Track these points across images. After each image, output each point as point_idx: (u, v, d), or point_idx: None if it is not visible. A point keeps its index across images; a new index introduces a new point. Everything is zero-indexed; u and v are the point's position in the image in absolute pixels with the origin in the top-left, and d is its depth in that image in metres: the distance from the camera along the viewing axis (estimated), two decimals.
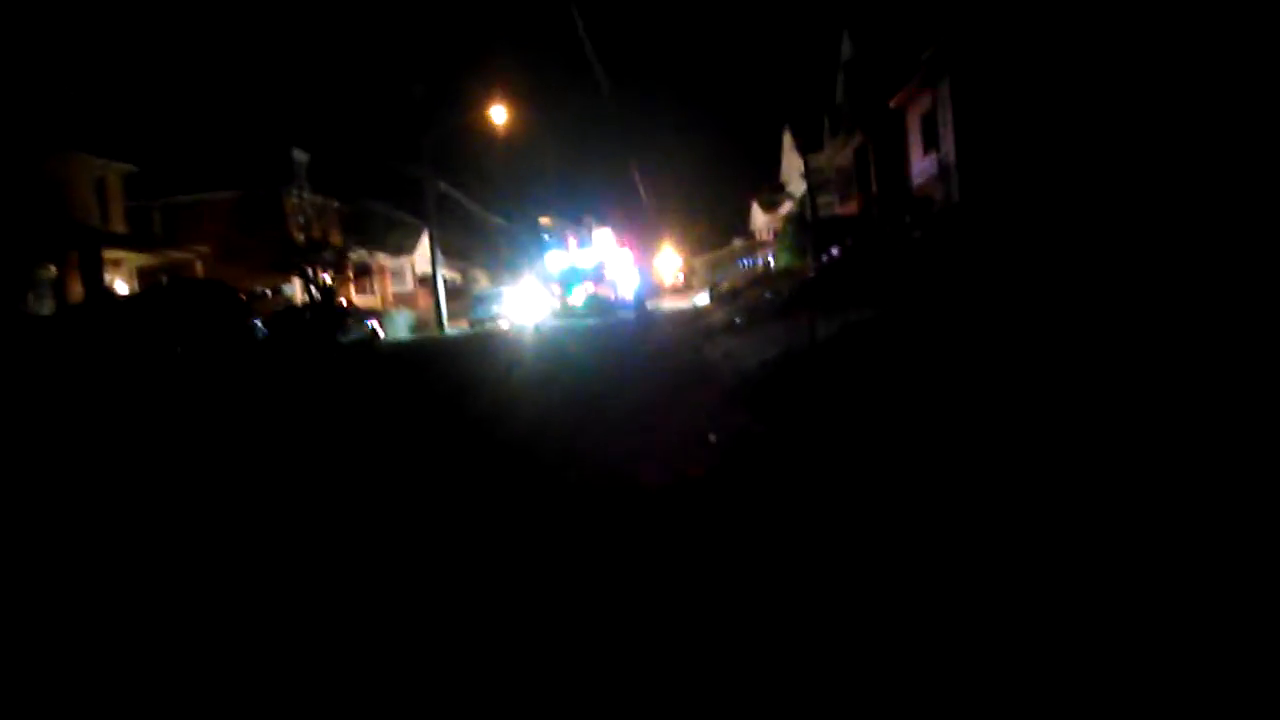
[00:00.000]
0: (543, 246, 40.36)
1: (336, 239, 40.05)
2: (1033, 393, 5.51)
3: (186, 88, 36.98)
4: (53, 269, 24.82)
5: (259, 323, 18.94)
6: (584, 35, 21.70)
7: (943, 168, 23.67)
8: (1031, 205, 15.51)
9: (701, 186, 63.88)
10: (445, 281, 37.69)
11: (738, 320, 15.68)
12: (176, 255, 30.75)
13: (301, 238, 36.56)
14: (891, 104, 27.58)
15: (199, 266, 31.09)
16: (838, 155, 38.12)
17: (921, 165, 26.25)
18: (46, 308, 23.16)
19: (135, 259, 29.33)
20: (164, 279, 26.37)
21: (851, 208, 35.01)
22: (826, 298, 14.86)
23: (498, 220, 51.70)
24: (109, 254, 26.98)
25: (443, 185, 38.68)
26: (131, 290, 27.26)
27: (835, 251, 24.63)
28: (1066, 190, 15.26)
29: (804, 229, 32.04)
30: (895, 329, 9.78)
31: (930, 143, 24.92)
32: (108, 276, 26.55)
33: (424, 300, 40.58)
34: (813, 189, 38.77)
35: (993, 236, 14.51)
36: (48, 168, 25.81)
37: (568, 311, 34.19)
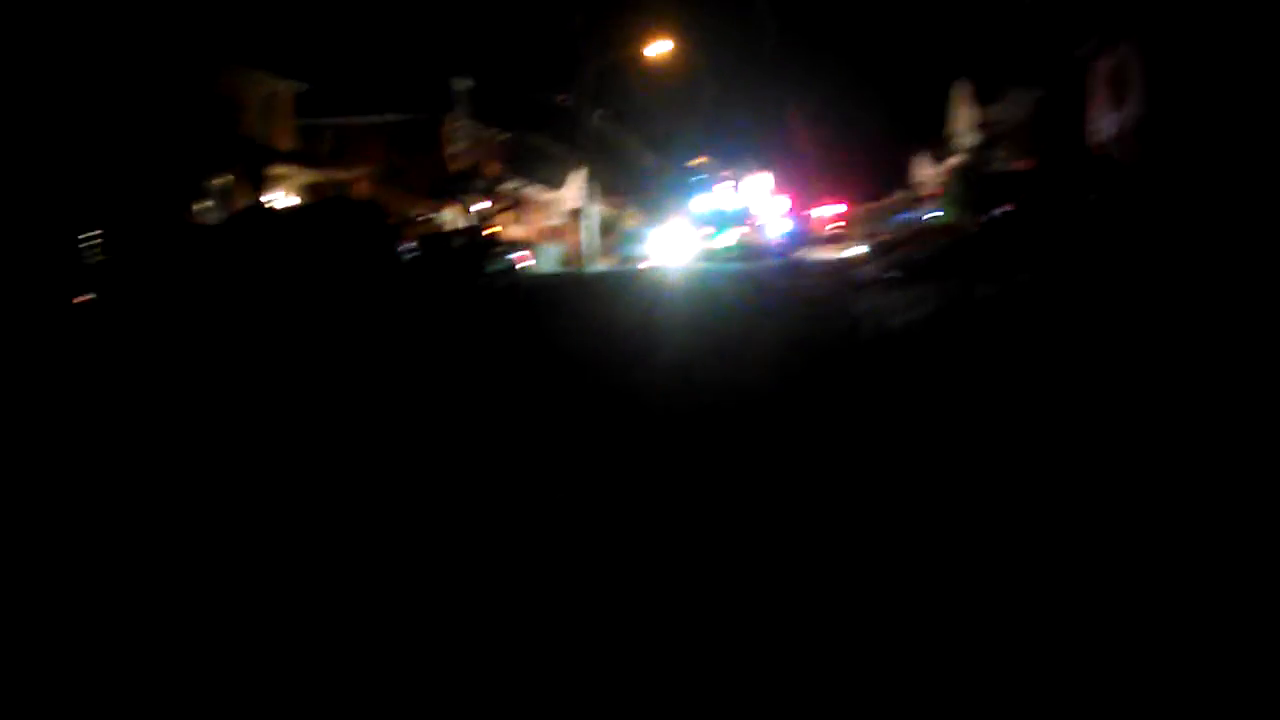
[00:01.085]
0: (695, 187, 39.70)
1: (493, 169, 40.37)
2: (1205, 394, 4.71)
3: (358, 9, 37.60)
4: (223, 180, 25.83)
5: (407, 247, 19.15)
6: None
7: (1126, 128, 21.76)
8: (1224, 175, 13.98)
9: (865, 135, 61.33)
10: (596, 217, 37.61)
11: (890, 275, 14.78)
12: (340, 175, 31.59)
13: (458, 166, 36.99)
14: (1075, 57, 25.48)
15: (361, 187, 31.89)
16: (1013, 109, 35.79)
17: (1103, 124, 24.24)
18: (215, 217, 24.15)
19: (301, 176, 30.28)
20: (332, 196, 27.08)
21: (1023, 164, 32.89)
22: (989, 257, 13.83)
23: (653, 158, 51.17)
24: (276, 169, 27.91)
25: (599, 119, 38.41)
26: (294, 205, 28.14)
27: (1003, 209, 23.08)
28: (1265, 162, 13.66)
29: (971, 184, 30.24)
30: (1061, 299, 8.87)
31: (1114, 100, 22.93)
32: (276, 191, 27.50)
33: (573, 235, 40.64)
34: (984, 142, 36.64)
35: (1177, 206, 13.14)
36: (220, 82, 26.69)
37: (715, 254, 33.56)
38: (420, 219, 34.82)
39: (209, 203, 24.83)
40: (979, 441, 4.43)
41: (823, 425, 5.02)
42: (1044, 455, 4.10)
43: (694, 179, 40.27)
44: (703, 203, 37.95)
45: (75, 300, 12.32)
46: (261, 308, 12.88)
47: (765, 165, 42.40)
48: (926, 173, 52.22)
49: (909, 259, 16.16)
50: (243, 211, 20.18)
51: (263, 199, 24.95)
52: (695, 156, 42.40)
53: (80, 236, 14.11)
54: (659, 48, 34.62)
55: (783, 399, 5.92)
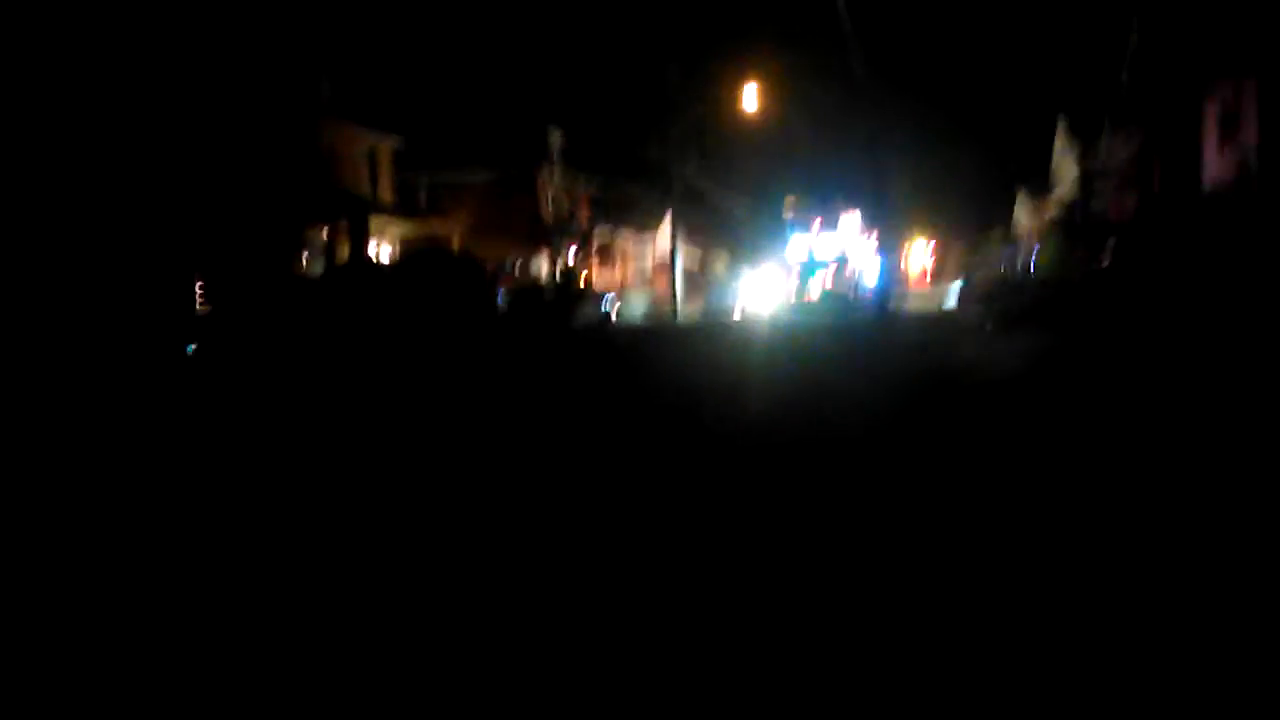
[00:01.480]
0: (787, 232, 39.51)
1: (584, 217, 40.97)
2: None
3: (455, 67, 38.75)
4: (325, 233, 26.74)
5: (501, 296, 19.47)
6: (843, 11, 20.68)
7: (1241, 170, 20.87)
8: None
9: (960, 175, 60.31)
10: (684, 264, 37.71)
11: (990, 325, 14.37)
12: (437, 226, 32.47)
13: (550, 215, 37.63)
14: (1184, 97, 24.63)
15: (456, 238, 32.67)
16: (1117, 150, 34.80)
17: (1215, 165, 23.31)
18: (318, 268, 24.95)
19: (400, 227, 31.21)
20: (429, 248, 27.75)
21: (1129, 207, 31.89)
22: (1097, 306, 13.33)
23: (742, 203, 51.22)
24: (376, 222, 28.81)
25: (689, 167, 38.66)
26: (392, 257, 28.92)
27: (1108, 254, 22.32)
28: None
29: (1073, 227, 29.43)
30: (1176, 353, 8.44)
31: (1228, 141, 22.05)
32: (374, 243, 28.35)
33: (662, 282, 40.82)
34: (1087, 184, 35.69)
35: None
36: (324, 137, 27.75)
37: (804, 306, 33.26)
38: (514, 268, 35.42)
39: (311, 254, 25.70)
40: (1086, 503, 4.17)
41: (922, 480, 4.81)
42: (1154, 531, 3.83)
43: (785, 223, 40.06)
44: (794, 247, 37.66)
45: (186, 348, 12.79)
46: (362, 357, 13.16)
47: (857, 208, 41.94)
48: (1025, 214, 51.04)
49: (1010, 307, 15.68)
50: (344, 264, 20.80)
51: (363, 251, 25.70)
52: (786, 201, 42.22)
53: (191, 287, 14.69)
54: (750, 96, 34.74)
55: (879, 449, 5.72)
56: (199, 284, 16.85)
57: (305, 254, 25.71)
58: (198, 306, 16.36)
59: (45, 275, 12.66)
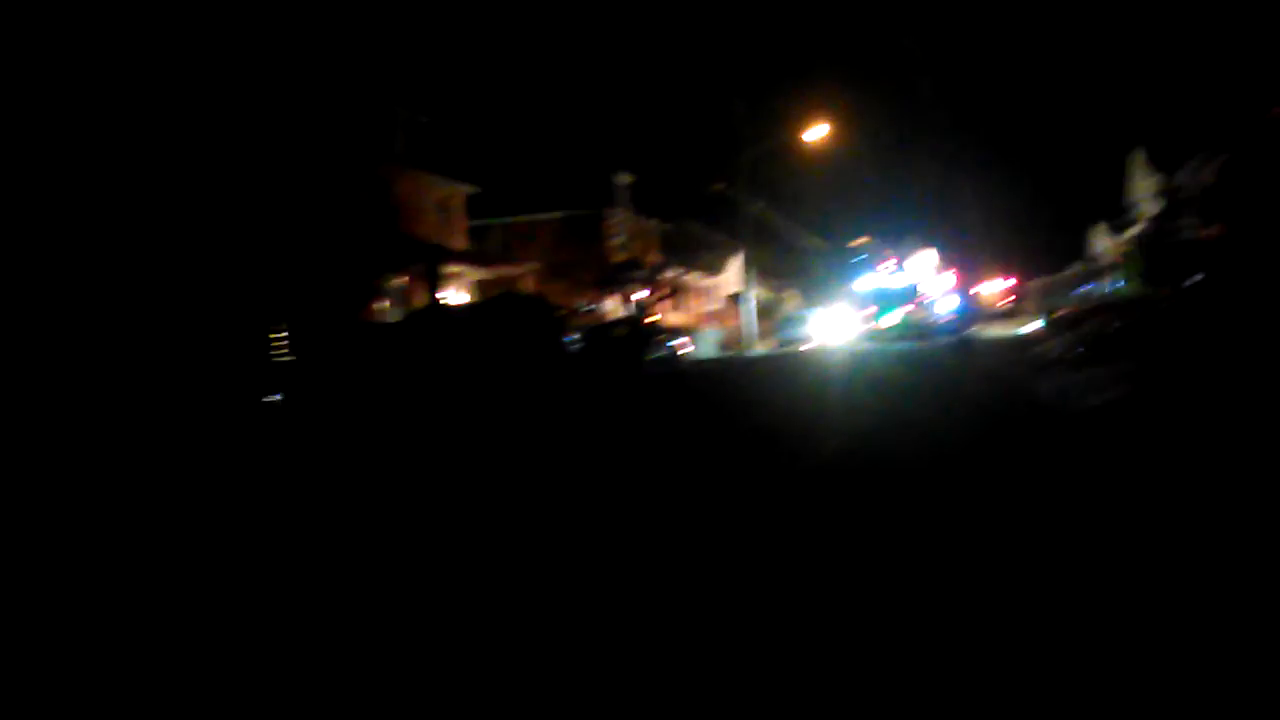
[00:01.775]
0: (858, 267, 39.07)
1: (653, 257, 41.13)
2: None
3: (524, 114, 39.50)
4: (401, 280, 27.22)
5: (572, 337, 19.55)
6: (913, 47, 20.48)
7: None
8: None
9: (1034, 207, 59.21)
10: (755, 301, 37.53)
11: (1076, 352, 13.89)
12: (509, 271, 32.83)
13: (620, 256, 37.86)
14: (1267, 117, 23.82)
15: (529, 282, 33.00)
16: (1199, 173, 33.76)
17: None
18: (395, 315, 25.40)
19: (473, 273, 31.63)
20: (499, 293, 28.09)
21: (1214, 231, 30.80)
22: (1184, 332, 12.82)
23: (813, 239, 50.94)
24: (450, 268, 29.23)
25: (758, 205, 38.61)
26: (467, 302, 29.32)
27: (1194, 280, 21.57)
28: None
29: (1156, 253, 28.55)
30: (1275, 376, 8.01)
31: None
32: (449, 288, 28.77)
33: (734, 318, 40.67)
34: (1167, 210, 34.70)
35: None
36: (399, 188, 28.37)
37: (881, 334, 32.70)
38: (584, 310, 35.63)
39: (387, 302, 26.16)
40: (1193, 541, 3.91)
41: (1014, 515, 4.59)
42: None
43: (856, 259, 39.65)
44: (866, 282, 37.18)
45: (264, 399, 13.03)
46: (439, 401, 13.29)
47: (930, 242, 41.37)
48: (1105, 243, 49.85)
49: (1095, 335, 15.15)
50: (419, 311, 21.12)
51: (437, 297, 26.10)
52: (856, 236, 41.86)
53: (268, 337, 15.01)
54: (817, 131, 34.66)
55: (966, 479, 5.49)
56: (284, 334, 17.27)
57: (384, 302, 26.20)
58: (284, 357, 16.76)
59: (127, 329, 13.06)
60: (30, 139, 14.27)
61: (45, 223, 14.03)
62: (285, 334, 16.28)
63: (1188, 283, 20.50)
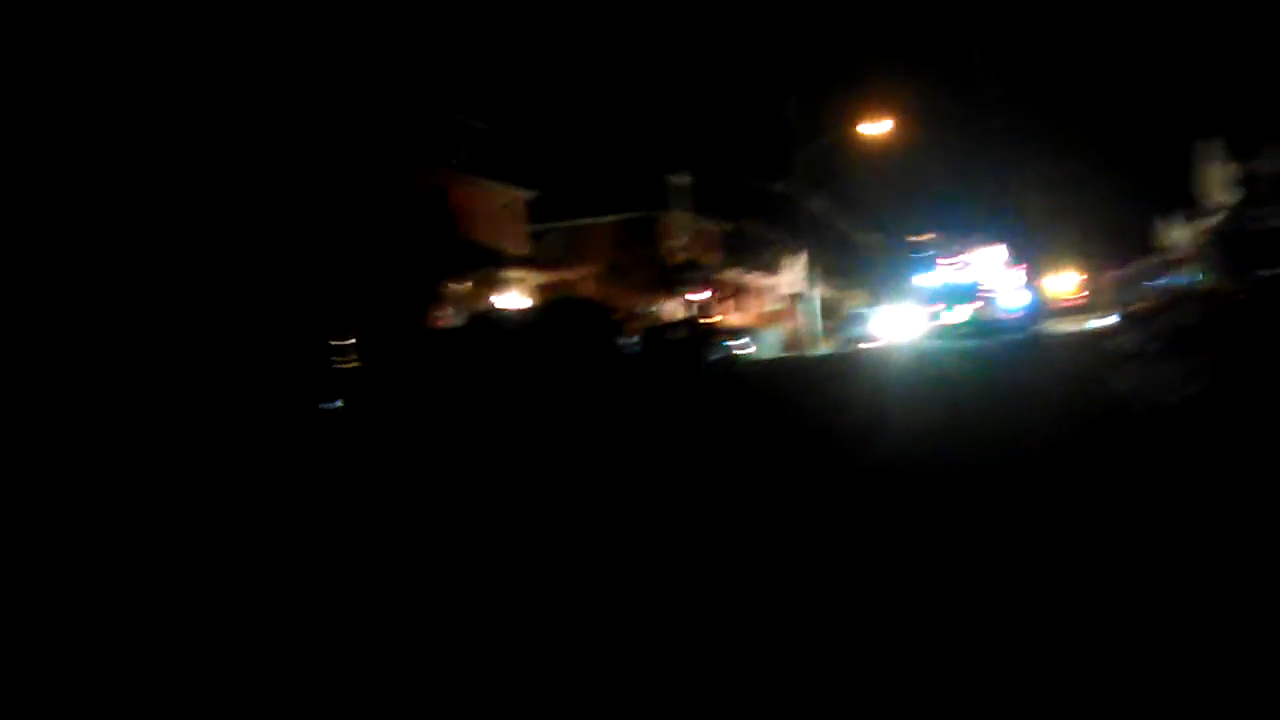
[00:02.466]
0: (922, 264, 38.31)
1: (711, 258, 40.91)
2: None
3: (582, 117, 39.56)
4: (463, 285, 27.48)
5: (629, 340, 19.49)
6: (973, 41, 20.02)
7: None
8: None
9: (1103, 200, 57.59)
10: (817, 300, 37.11)
11: (1152, 347, 13.38)
12: (568, 274, 32.98)
13: (678, 258, 37.72)
14: None
15: (588, 285, 33.09)
16: (1273, 163, 32.58)
17: None
18: (458, 320, 25.64)
19: (533, 277, 31.82)
20: (554, 297, 28.19)
21: None
22: (1265, 323, 12.29)
23: (875, 237, 50.22)
24: (511, 273, 29.45)
25: (817, 203, 38.16)
26: (527, 306, 29.48)
27: (1274, 270, 20.76)
28: None
29: (1232, 244, 27.55)
30: None
31: None
32: (510, 293, 28.97)
33: (795, 318, 40.27)
34: (1243, 200, 33.56)
35: None
36: (460, 195, 28.63)
37: (947, 331, 32.01)
38: (643, 312, 35.59)
39: (449, 308, 26.41)
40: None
41: (1089, 518, 4.34)
42: None
43: (920, 255, 38.89)
44: (930, 279, 36.39)
45: (323, 406, 13.18)
46: (498, 405, 13.32)
47: (996, 237, 40.38)
48: (1178, 235, 48.40)
49: (1173, 328, 14.60)
50: (477, 317, 21.26)
51: (497, 302, 26.29)
52: (920, 233, 41.07)
53: (330, 343, 15.20)
54: (876, 126, 34.14)
55: (1037, 481, 5.24)
56: (351, 341, 17.51)
57: (445, 307, 26.47)
58: (351, 363, 17.00)
59: (190, 336, 13.32)
60: (92, 144, 14.64)
61: (112, 225, 14.38)
62: (352, 341, 16.49)
63: (1268, 273, 19.73)
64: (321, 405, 13.32)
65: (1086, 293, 58.52)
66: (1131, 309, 24.91)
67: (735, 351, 24.98)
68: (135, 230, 14.93)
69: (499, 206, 31.65)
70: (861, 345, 33.39)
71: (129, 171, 15.47)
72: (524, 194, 32.73)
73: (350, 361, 15.99)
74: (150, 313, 13.90)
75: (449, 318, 25.84)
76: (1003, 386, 12.98)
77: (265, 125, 18.71)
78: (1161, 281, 38.50)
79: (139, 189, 15.46)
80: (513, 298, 28.59)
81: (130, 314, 13.62)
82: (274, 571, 5.00)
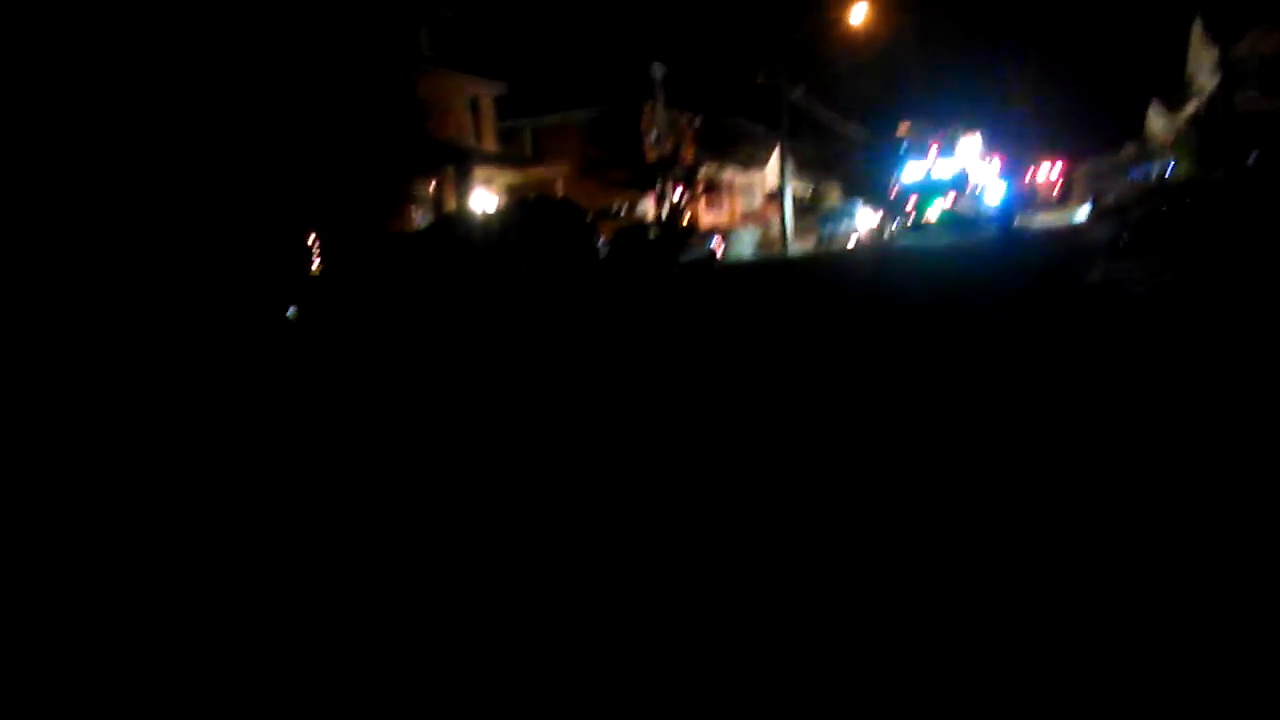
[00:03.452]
0: (901, 157, 37.68)
1: (689, 154, 40.09)
2: None
3: (552, 7, 38.24)
4: (431, 185, 26.83)
5: (602, 242, 19.13)
6: None
7: None
8: None
9: (1087, 85, 56.65)
10: (795, 197, 36.60)
11: (1124, 239, 13.24)
12: (540, 173, 32.28)
13: (655, 154, 36.95)
14: None
15: (560, 184, 32.44)
16: (1261, 43, 31.86)
17: None
18: (426, 221, 25.10)
19: (504, 176, 31.14)
20: (526, 198, 27.62)
21: (1277, 105, 29.21)
22: (1242, 212, 12.14)
23: (853, 130, 49.34)
24: (480, 171, 28.77)
25: (796, 93, 37.28)
26: (497, 206, 28.94)
27: (1253, 156, 20.55)
28: None
29: (1213, 130, 27.22)
30: None
31: None
32: (480, 192, 28.34)
33: (772, 216, 39.81)
34: (1229, 82, 32.98)
35: None
36: (425, 88, 27.67)
37: (923, 228, 31.76)
38: (618, 211, 35.03)
39: (415, 208, 25.85)
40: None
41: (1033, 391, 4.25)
42: None
43: (900, 148, 38.22)
44: (910, 172, 35.86)
45: (286, 312, 12.88)
46: (462, 311, 13.07)
47: (976, 126, 39.71)
48: (1160, 123, 47.79)
49: (1145, 220, 14.45)
50: (441, 219, 20.79)
51: (465, 203, 25.74)
52: (900, 124, 40.28)
53: (292, 247, 14.80)
54: (858, 12, 33.19)
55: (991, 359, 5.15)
56: (314, 244, 17.02)
57: (412, 207, 25.88)
58: (313, 267, 16.55)
59: (138, 244, 12.90)
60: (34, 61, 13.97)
61: (61, 134, 13.82)
62: (319, 244, 16.06)
63: (1244, 161, 19.51)
64: (286, 313, 13.03)
65: (1068, 187, 58.12)
66: (1105, 200, 24.70)
67: (712, 252, 24.65)
68: (84, 122, 14.31)
69: (468, 101, 30.75)
70: (840, 244, 33.13)
71: (77, 61, 14.76)
72: (494, 87, 31.75)
73: (313, 265, 15.64)
74: (105, 211, 13.42)
75: (415, 218, 25.35)
76: (975, 283, 12.87)
77: (219, 12, 17.84)
78: (1141, 171, 38.19)
79: (89, 79, 14.78)
80: (481, 197, 27.98)
81: (81, 211, 13.16)
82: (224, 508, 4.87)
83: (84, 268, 11.70)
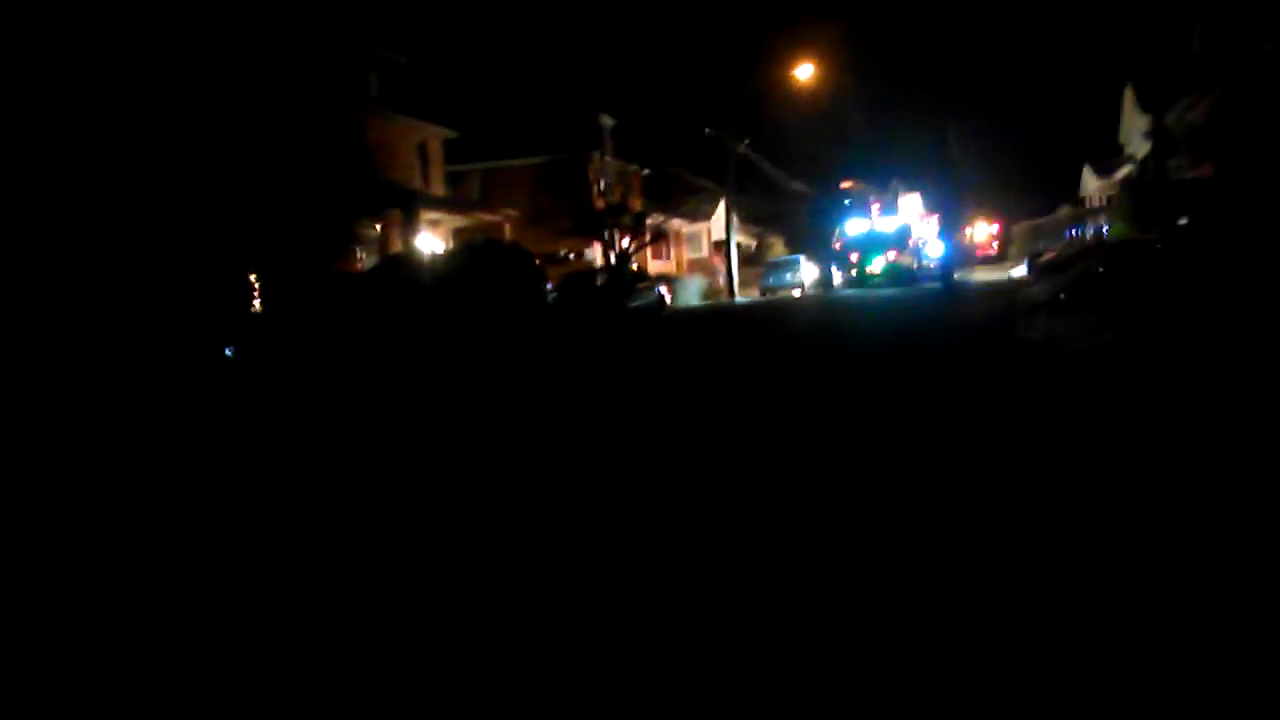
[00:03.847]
0: (843, 213, 38.43)
1: (636, 204, 40.41)
2: None
3: (503, 55, 38.51)
4: (377, 227, 26.59)
5: (550, 287, 19.06)
6: None
7: None
8: None
9: (1023, 149, 58.56)
10: (740, 248, 37.02)
11: (1062, 296, 13.54)
12: (487, 218, 32.15)
13: (602, 203, 37.15)
14: (1260, 54, 23.30)
15: (507, 229, 32.34)
16: (1190, 112, 33.17)
17: None
18: (370, 262, 24.81)
19: (451, 220, 30.97)
20: (475, 240, 27.47)
21: (1205, 171, 30.38)
22: (1174, 275, 12.49)
23: (797, 185, 50.23)
24: (427, 215, 28.55)
25: (743, 149, 37.86)
26: (443, 250, 28.75)
27: (1182, 222, 21.21)
28: None
29: (1145, 195, 28.14)
30: (1268, 321, 7.68)
31: None
32: (426, 236, 28.11)
33: (718, 266, 40.15)
34: (1160, 149, 34.23)
35: None
36: (374, 131, 27.57)
37: (866, 280, 32.30)
38: (565, 257, 35.05)
39: (361, 250, 25.57)
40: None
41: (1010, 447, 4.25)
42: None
43: (842, 204, 39.01)
44: (852, 227, 36.58)
45: (225, 349, 12.55)
46: (407, 349, 12.87)
47: (916, 186, 40.74)
48: (1094, 185, 49.39)
49: (1081, 279, 14.81)
50: (388, 259, 20.57)
51: (412, 245, 25.53)
52: (842, 181, 41.16)
53: (238, 288, 14.48)
54: (805, 70, 33.94)
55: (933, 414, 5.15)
56: (254, 283, 16.66)
57: (357, 249, 25.59)
58: (252, 306, 16.18)
59: (76, 276, 12.51)
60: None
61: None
62: (259, 284, 15.71)
63: (1176, 224, 20.16)
64: (225, 350, 12.67)
65: (1005, 246, 59.68)
66: (1042, 259, 25.35)
67: (659, 296, 24.72)
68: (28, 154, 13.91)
69: (416, 145, 30.66)
70: (784, 294, 33.50)
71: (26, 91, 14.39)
72: (443, 132, 31.70)
73: (253, 304, 15.29)
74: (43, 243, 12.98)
75: (360, 260, 25.05)
76: (915, 335, 13.03)
77: (170, 47, 17.57)
78: (1075, 232, 39.30)
79: (34, 110, 14.39)
80: (428, 240, 27.77)
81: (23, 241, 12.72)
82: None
83: (24, 299, 11.30)
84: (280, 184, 19.64)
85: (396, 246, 26.24)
